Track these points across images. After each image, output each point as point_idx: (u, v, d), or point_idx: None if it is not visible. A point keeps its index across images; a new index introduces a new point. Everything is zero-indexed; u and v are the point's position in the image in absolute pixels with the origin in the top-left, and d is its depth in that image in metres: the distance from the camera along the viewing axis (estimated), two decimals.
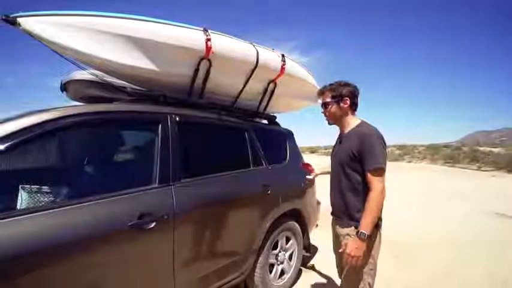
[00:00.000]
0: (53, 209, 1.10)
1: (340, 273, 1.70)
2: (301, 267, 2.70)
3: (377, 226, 1.50)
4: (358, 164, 1.48)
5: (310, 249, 2.76)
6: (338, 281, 2.50)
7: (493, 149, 21.19)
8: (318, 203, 2.92)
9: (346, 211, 1.54)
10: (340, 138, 1.64)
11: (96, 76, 1.70)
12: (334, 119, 1.62)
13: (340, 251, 1.52)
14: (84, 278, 1.16)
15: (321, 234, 3.07)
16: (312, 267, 2.86)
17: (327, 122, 1.67)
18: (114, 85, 1.69)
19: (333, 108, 1.58)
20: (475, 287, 2.52)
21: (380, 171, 1.42)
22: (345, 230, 1.54)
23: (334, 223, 1.67)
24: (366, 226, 1.40)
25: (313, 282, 2.59)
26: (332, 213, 1.70)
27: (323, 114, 1.66)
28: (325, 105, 1.61)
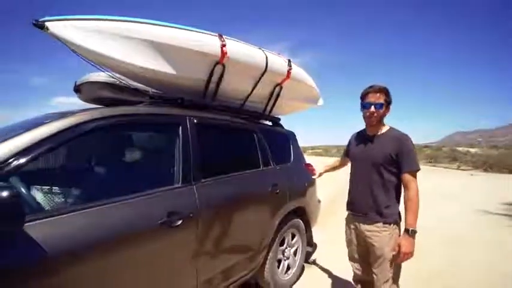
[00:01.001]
0: (93, 207, 1.15)
1: (356, 266, 1.84)
2: (304, 263, 2.81)
3: (397, 223, 1.65)
4: (394, 165, 1.61)
5: (312, 245, 2.88)
6: (339, 274, 2.68)
7: (471, 149, 22.38)
8: (319, 201, 3.05)
9: (375, 208, 1.65)
10: (369, 139, 1.72)
11: (118, 79, 1.74)
12: (377, 121, 1.66)
13: (393, 253, 1.59)
14: (121, 272, 1.22)
15: (318, 231, 3.21)
16: (314, 262, 3.00)
17: (369, 120, 1.67)
18: (137, 88, 1.74)
19: (383, 110, 1.64)
20: (475, 278, 2.71)
21: (416, 173, 1.59)
22: (372, 227, 1.65)
23: (355, 220, 1.77)
24: (413, 223, 1.54)
25: (315, 277, 2.73)
26: (352, 210, 1.80)
27: (370, 113, 1.64)
28: (377, 105, 1.62)
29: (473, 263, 3.03)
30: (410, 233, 1.54)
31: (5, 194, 0.80)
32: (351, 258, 1.87)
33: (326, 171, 2.41)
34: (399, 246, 1.56)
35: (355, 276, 1.89)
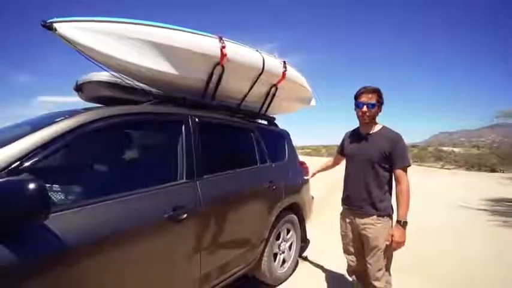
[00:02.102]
0: (108, 200, 1.22)
1: (350, 258, 1.94)
2: (298, 258, 2.92)
3: (390, 216, 1.76)
4: (387, 162, 1.72)
5: (306, 240, 2.99)
6: (331, 268, 2.79)
7: (455, 149, 23.29)
8: (312, 197, 3.17)
9: (369, 202, 1.75)
10: (364, 138, 1.83)
11: (121, 79, 1.79)
12: (370, 119, 1.78)
13: (387, 243, 1.69)
14: (131, 263, 1.28)
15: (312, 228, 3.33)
16: (305, 258, 3.10)
17: (362, 119, 1.80)
18: (141, 88, 1.79)
19: (375, 110, 1.75)
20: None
21: (407, 169, 1.71)
22: (367, 220, 1.76)
23: (350, 214, 1.87)
24: (405, 215, 1.65)
25: (309, 270, 2.84)
26: (348, 204, 1.89)
27: (362, 112, 1.76)
28: (369, 105, 1.74)
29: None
30: (402, 224, 1.65)
31: (32, 186, 0.85)
32: (346, 251, 1.97)
33: (319, 171, 2.49)
34: (392, 236, 1.68)
35: (349, 267, 2.00)
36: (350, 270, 2.01)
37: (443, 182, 9.75)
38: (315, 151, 34.49)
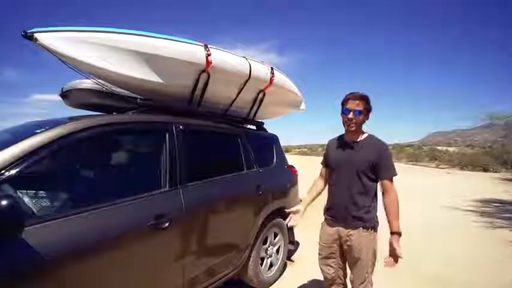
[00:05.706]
0: (90, 211, 1.24)
1: (326, 270, 1.85)
2: (286, 260, 2.95)
3: (375, 227, 1.72)
4: (373, 171, 1.67)
5: (294, 243, 3.02)
6: (319, 271, 2.81)
7: (449, 148, 23.56)
8: (301, 201, 3.19)
9: (355, 212, 1.68)
10: (350, 146, 1.75)
11: (103, 86, 1.80)
12: (356, 126, 1.70)
13: (387, 258, 1.60)
14: (112, 272, 1.30)
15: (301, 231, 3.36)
16: (294, 261, 3.13)
17: (348, 126, 1.71)
18: (124, 95, 1.80)
19: (362, 117, 1.69)
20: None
21: (393, 179, 1.68)
22: (352, 231, 1.69)
23: (334, 225, 1.77)
24: (398, 226, 1.60)
25: (297, 273, 2.86)
26: (332, 215, 1.79)
27: (348, 119, 1.68)
28: (355, 112, 1.67)
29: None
30: (399, 236, 1.59)
31: (4, 203, 0.87)
32: (323, 263, 1.86)
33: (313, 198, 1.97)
34: (394, 249, 1.58)
35: (326, 280, 1.90)
36: (327, 283, 1.90)
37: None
38: (311, 150, 34.68)
